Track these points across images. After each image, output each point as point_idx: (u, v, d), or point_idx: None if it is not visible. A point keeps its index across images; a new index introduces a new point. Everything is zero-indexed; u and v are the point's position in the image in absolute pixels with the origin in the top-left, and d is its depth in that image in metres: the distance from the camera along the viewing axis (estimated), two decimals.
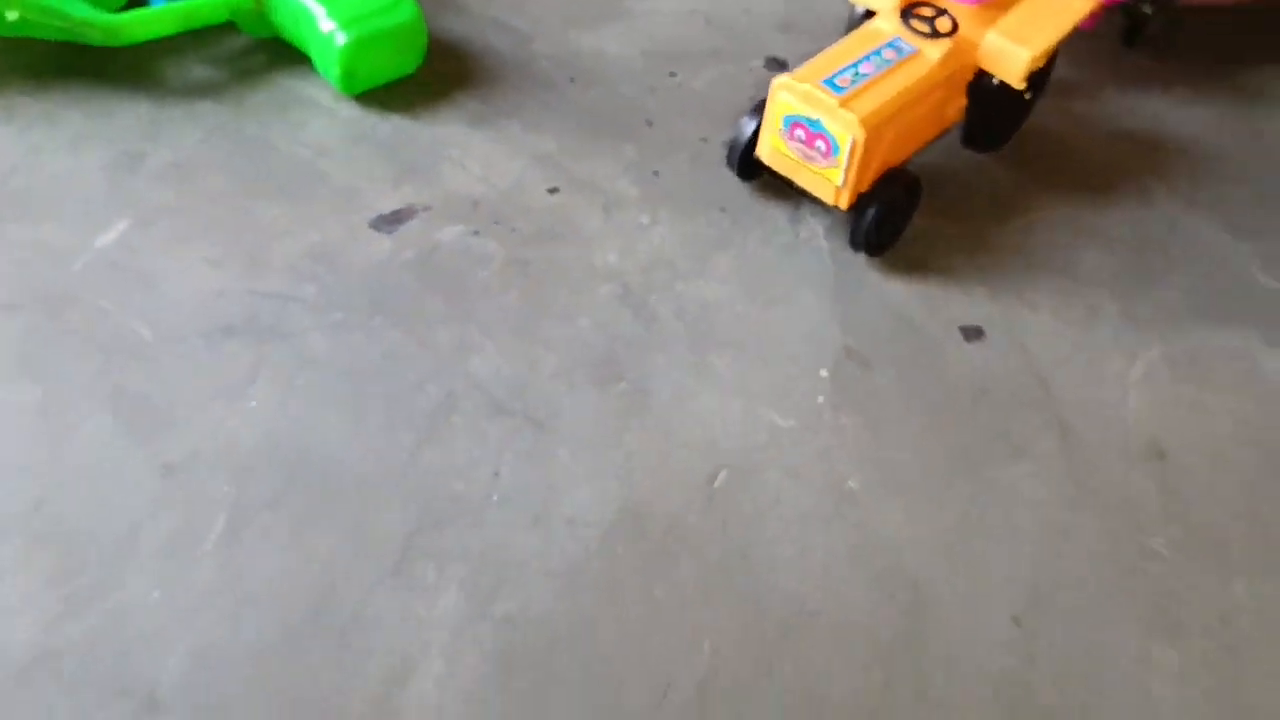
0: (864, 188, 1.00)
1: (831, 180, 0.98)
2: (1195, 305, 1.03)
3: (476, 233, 1.02)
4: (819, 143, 0.97)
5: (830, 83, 0.97)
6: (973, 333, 0.99)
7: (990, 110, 1.08)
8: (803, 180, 1.01)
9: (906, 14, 1.02)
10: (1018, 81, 0.99)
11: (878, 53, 1.00)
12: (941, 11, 1.02)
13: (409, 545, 0.80)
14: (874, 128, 0.95)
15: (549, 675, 0.74)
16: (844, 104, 0.95)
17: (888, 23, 1.02)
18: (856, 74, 0.98)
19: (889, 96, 0.97)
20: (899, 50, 1.00)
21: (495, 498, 0.83)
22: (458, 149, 1.10)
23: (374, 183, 1.05)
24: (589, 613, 0.77)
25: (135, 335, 0.91)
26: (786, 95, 0.98)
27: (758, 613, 0.78)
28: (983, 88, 1.05)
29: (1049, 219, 1.10)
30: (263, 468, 0.83)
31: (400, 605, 0.77)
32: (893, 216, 1.02)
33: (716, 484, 0.86)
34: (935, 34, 1.00)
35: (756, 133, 1.05)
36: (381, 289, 0.97)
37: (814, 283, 1.01)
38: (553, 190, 1.07)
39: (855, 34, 1.03)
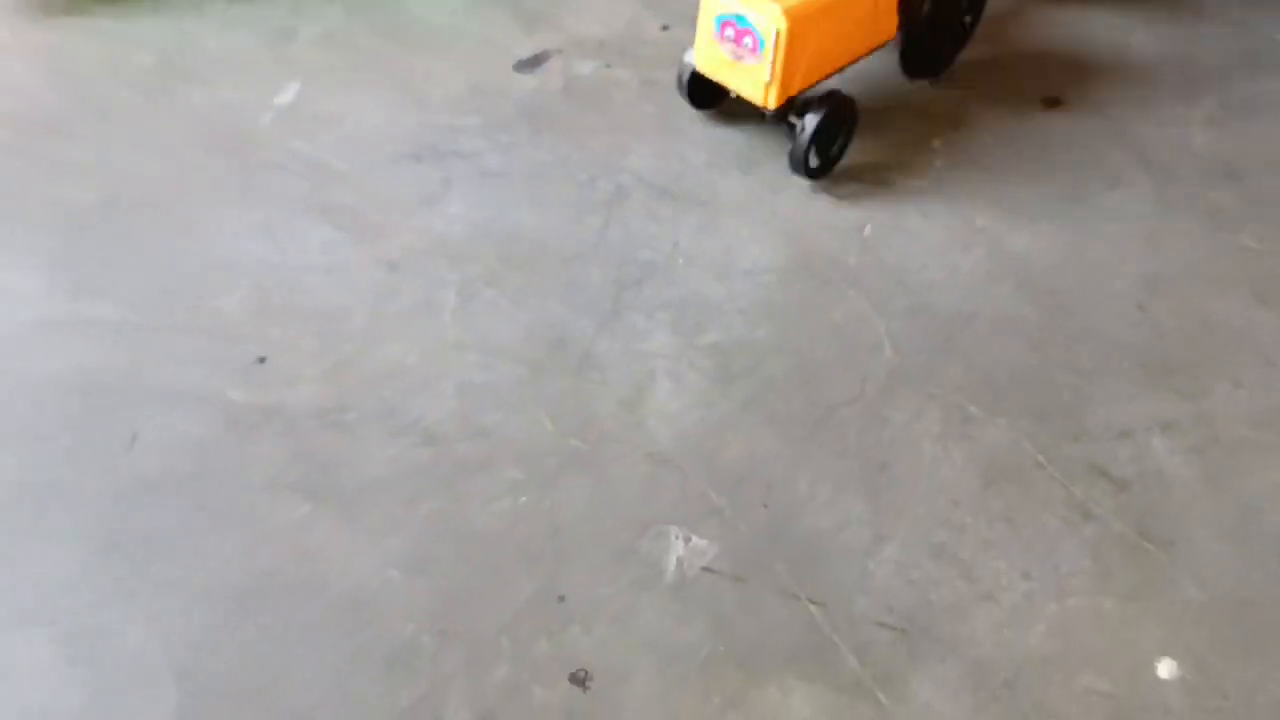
0: (793, 90, 1.00)
1: (759, 76, 0.99)
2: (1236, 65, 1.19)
3: (608, 65, 1.15)
4: (746, 39, 0.99)
5: None
6: (1052, 102, 1.14)
7: (924, 31, 1.08)
8: (734, 82, 1.01)
9: None
10: None
11: None
12: None
13: (617, 300, 0.93)
14: (797, 20, 0.96)
15: (762, 381, 0.87)
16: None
17: None
18: None
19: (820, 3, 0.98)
20: None
21: (681, 261, 0.97)
22: (573, 2, 1.22)
23: (507, 35, 1.18)
24: (782, 335, 0.91)
25: (331, 166, 1.03)
26: None
27: (925, 319, 0.93)
28: (914, 6, 1.05)
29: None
30: (475, 254, 0.95)
31: (622, 345, 0.90)
32: (829, 132, 1.01)
33: (865, 232, 1.00)
34: None
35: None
36: (537, 114, 1.09)
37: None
38: (664, 28, 1.20)
39: None
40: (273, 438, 0.81)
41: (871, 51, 1.06)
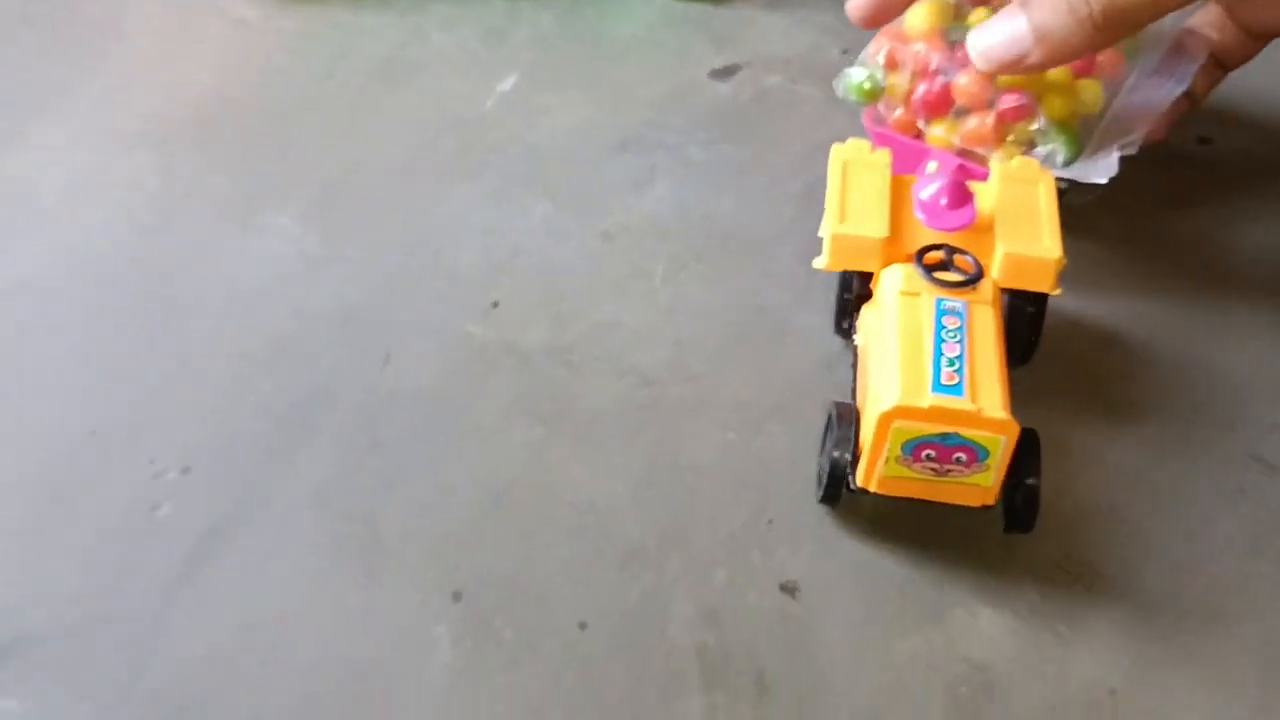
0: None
1: (980, 485, 0.81)
2: None
3: (794, 81, 1.26)
4: (959, 455, 0.80)
5: (941, 388, 0.78)
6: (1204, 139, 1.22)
7: (1019, 326, 0.89)
8: (937, 495, 0.82)
9: (928, 270, 0.82)
10: (1050, 288, 0.81)
11: (941, 327, 0.81)
12: (948, 249, 0.82)
13: (810, 278, 1.02)
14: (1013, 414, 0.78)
15: None
16: (978, 405, 0.76)
17: (909, 288, 0.82)
18: (950, 361, 0.80)
19: (998, 370, 0.79)
20: (956, 314, 0.82)
21: None
22: (759, 25, 1.35)
23: (699, 49, 1.30)
24: None
25: (548, 149, 1.15)
26: (903, 423, 0.79)
27: None
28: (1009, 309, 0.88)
29: None
30: (679, 233, 1.06)
31: (817, 317, 1.00)
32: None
33: None
34: (972, 277, 0.82)
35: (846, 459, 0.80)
36: (732, 116, 1.21)
37: None
38: (844, 51, 1.31)
39: (894, 323, 0.81)
40: (508, 369, 0.92)
41: None
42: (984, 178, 0.76)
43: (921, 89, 0.80)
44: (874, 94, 0.81)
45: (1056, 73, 0.74)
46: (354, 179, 1.11)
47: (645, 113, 1.21)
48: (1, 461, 0.83)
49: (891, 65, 0.80)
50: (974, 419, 0.75)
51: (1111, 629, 0.78)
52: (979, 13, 0.78)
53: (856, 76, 0.82)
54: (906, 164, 0.79)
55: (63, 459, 0.82)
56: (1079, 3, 0.62)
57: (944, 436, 0.77)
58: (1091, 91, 0.76)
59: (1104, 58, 0.76)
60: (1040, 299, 0.84)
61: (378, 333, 0.94)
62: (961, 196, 0.78)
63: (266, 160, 1.12)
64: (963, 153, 0.79)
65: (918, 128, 0.81)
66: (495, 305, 0.97)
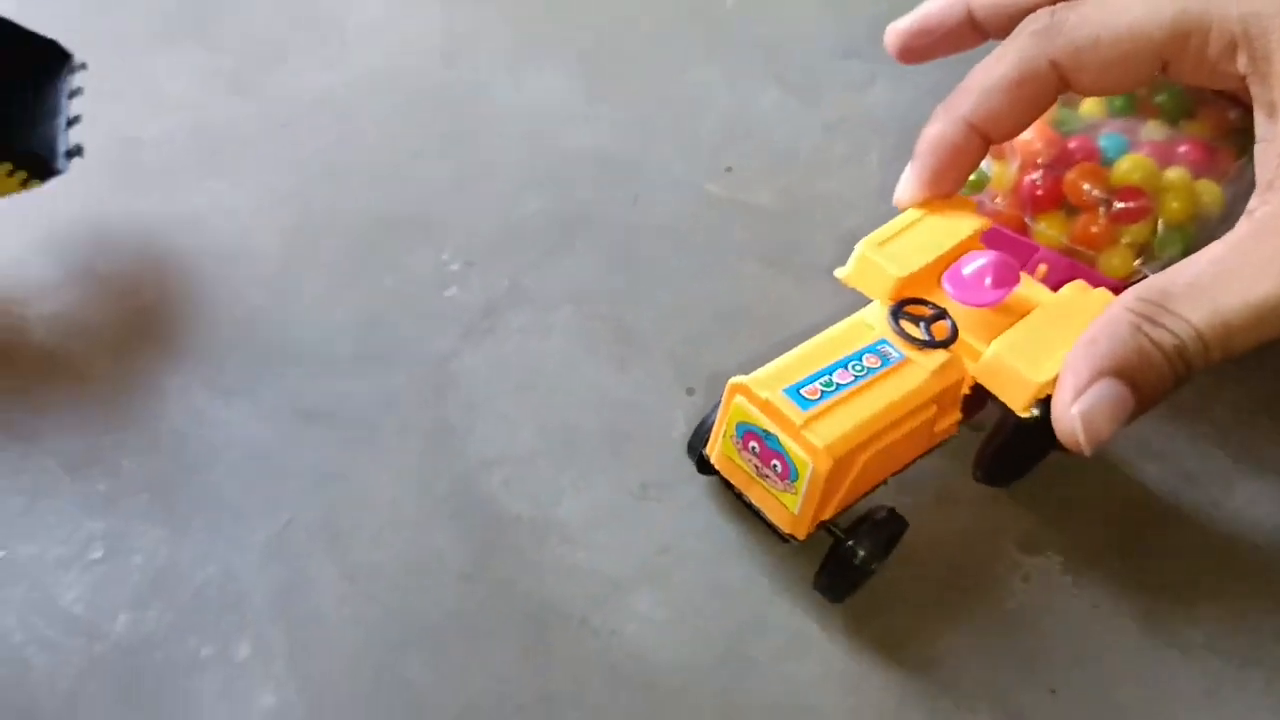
0: (826, 515, 0.79)
1: (789, 507, 0.79)
2: None
3: None
4: (775, 462, 0.77)
5: (795, 392, 0.76)
6: None
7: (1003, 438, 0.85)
8: (755, 496, 0.81)
9: (898, 312, 0.80)
10: (1020, 409, 0.72)
11: (858, 357, 0.78)
12: (940, 313, 0.78)
13: None
14: (842, 457, 0.75)
15: None
16: (807, 424, 0.74)
17: (874, 319, 0.81)
18: (829, 383, 0.77)
19: (864, 418, 0.75)
20: (884, 358, 0.78)
21: None
22: None
23: None
24: None
25: (780, 47, 1.27)
26: (743, 401, 0.79)
27: None
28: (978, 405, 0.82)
29: None
30: (895, 130, 1.17)
31: None
32: (867, 557, 0.78)
33: None
34: (931, 342, 0.77)
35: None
36: None
37: None
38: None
39: (835, 329, 0.82)
40: (739, 222, 1.05)
41: (929, 452, 0.83)
42: (1093, 281, 0.69)
43: (1029, 180, 0.72)
44: (978, 184, 0.74)
45: (1174, 173, 0.68)
46: (606, 50, 1.26)
47: (870, 28, 1.33)
48: (319, 242, 1.01)
49: (999, 154, 0.73)
50: (792, 430, 0.73)
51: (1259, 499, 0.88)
52: (1090, 103, 0.73)
53: None
54: (1012, 255, 0.74)
55: (369, 245, 0.99)
56: (1182, 363, 0.48)
57: (767, 435, 0.75)
58: (1211, 194, 0.67)
59: (1224, 157, 0.68)
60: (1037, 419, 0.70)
61: (629, 176, 1.08)
62: (1005, 278, 0.71)
63: (541, 17, 1.27)
64: (1070, 251, 0.70)
65: (1024, 221, 0.73)
66: (729, 170, 1.10)
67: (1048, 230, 0.73)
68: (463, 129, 1.10)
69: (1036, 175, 0.74)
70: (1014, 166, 0.75)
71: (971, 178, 0.75)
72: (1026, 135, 0.74)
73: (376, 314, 0.95)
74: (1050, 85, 0.59)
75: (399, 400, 0.89)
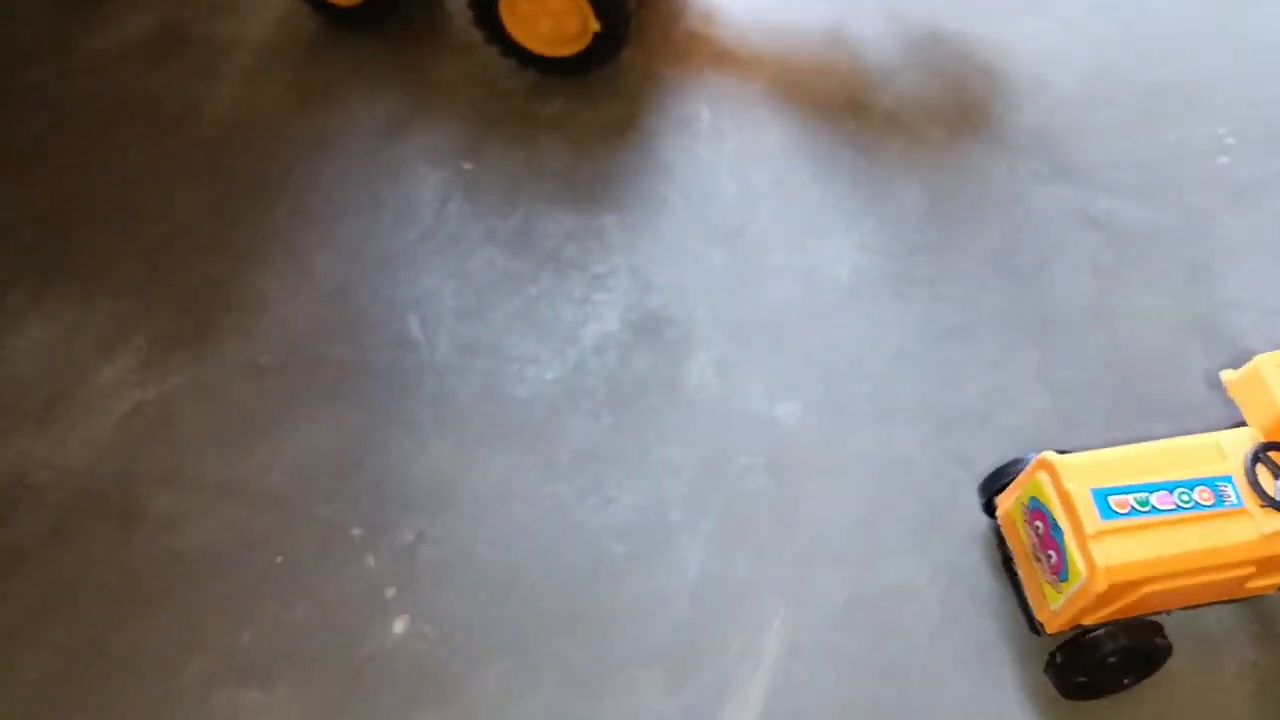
0: (1085, 622, 0.79)
1: (1049, 600, 0.78)
2: None
3: None
4: (1051, 553, 0.76)
5: (1103, 497, 0.73)
6: None
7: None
8: (1022, 569, 0.81)
9: (1261, 455, 0.73)
10: None
11: (1191, 486, 0.73)
12: None
13: None
14: (1120, 586, 0.73)
15: None
16: (1099, 536, 0.72)
17: (1231, 448, 0.75)
18: (1144, 502, 0.73)
19: (1163, 555, 0.72)
20: (1220, 498, 0.73)
21: None
22: None
23: None
24: None
25: None
26: (1044, 479, 0.77)
27: None
28: None
29: None
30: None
31: None
32: (1115, 672, 0.79)
33: None
34: (1271, 501, 0.73)
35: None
36: None
37: None
38: None
39: (1183, 442, 0.76)
40: None
41: (1232, 601, 0.82)
42: None
43: None
44: None
45: None
46: None
47: None
48: (1116, 85, 1.18)
49: None
50: (1081, 536, 0.70)
51: None
52: None
53: None
54: None
55: (1156, 103, 1.15)
56: None
57: (1055, 524, 0.73)
58: None
59: None
60: None
61: None
62: None
63: None
64: None
65: None
66: None
67: None
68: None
69: None
70: None
71: None
72: None
73: (1150, 159, 1.11)
74: None
75: (1162, 235, 1.06)
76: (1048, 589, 0.76)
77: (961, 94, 1.29)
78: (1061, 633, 0.76)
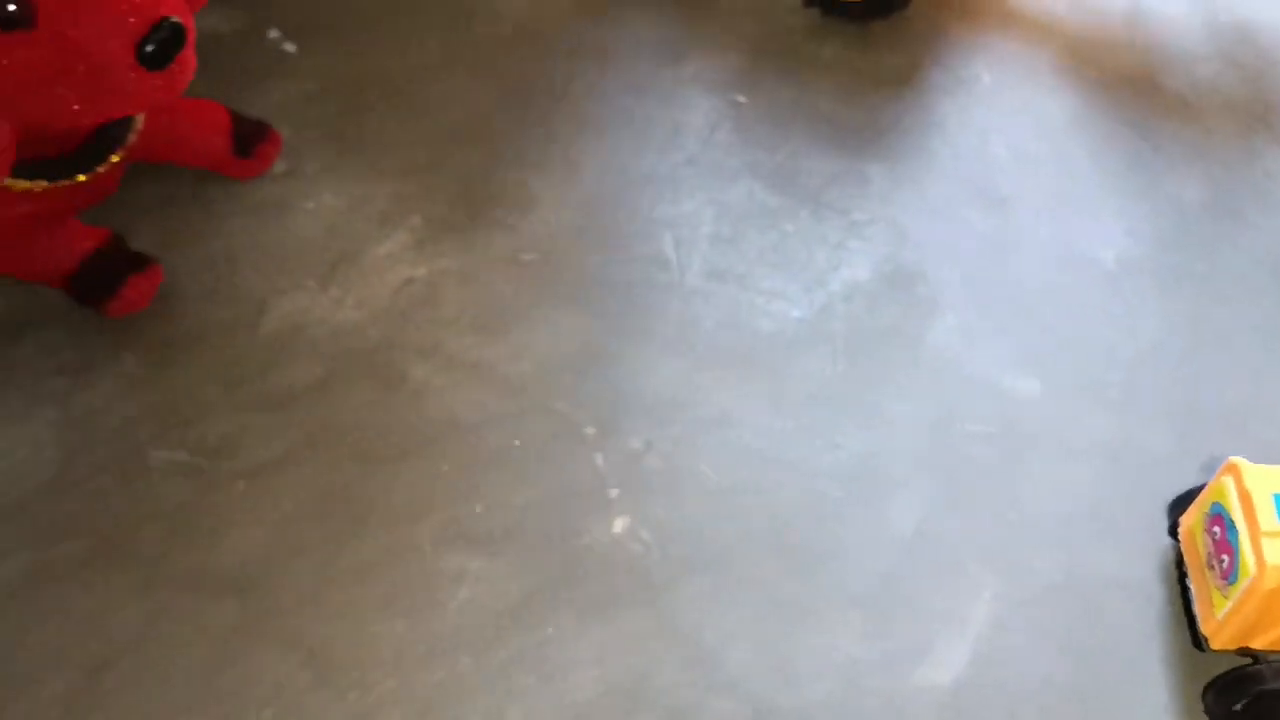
0: (1254, 644, 0.78)
1: (1215, 608, 0.77)
2: None
3: None
4: (1225, 557, 0.76)
5: None
6: None
7: None
8: (1194, 581, 0.81)
9: None
10: None
11: None
12: None
13: None
14: None
15: None
16: (1273, 535, 0.73)
17: None
18: None
19: None
20: None
21: None
22: None
23: None
24: None
25: None
26: (1228, 482, 0.77)
27: None
28: None
29: None
30: None
31: None
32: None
33: None
34: None
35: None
36: None
37: None
38: None
39: None
40: None
41: None
42: None
43: None
44: None
45: None
46: None
47: None
48: None
49: None
50: (1255, 532, 0.71)
51: None
52: None
53: None
54: None
55: None
56: None
57: (1231, 526, 0.74)
58: None
59: None
60: None
61: None
62: None
63: None
64: None
65: None
66: None
67: None
68: None
69: None
70: None
71: None
72: None
73: None
74: None
75: None
76: (1215, 595, 0.76)
77: (1261, 91, 1.21)
78: (1227, 651, 0.77)
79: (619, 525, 0.98)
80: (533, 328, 1.09)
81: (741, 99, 1.28)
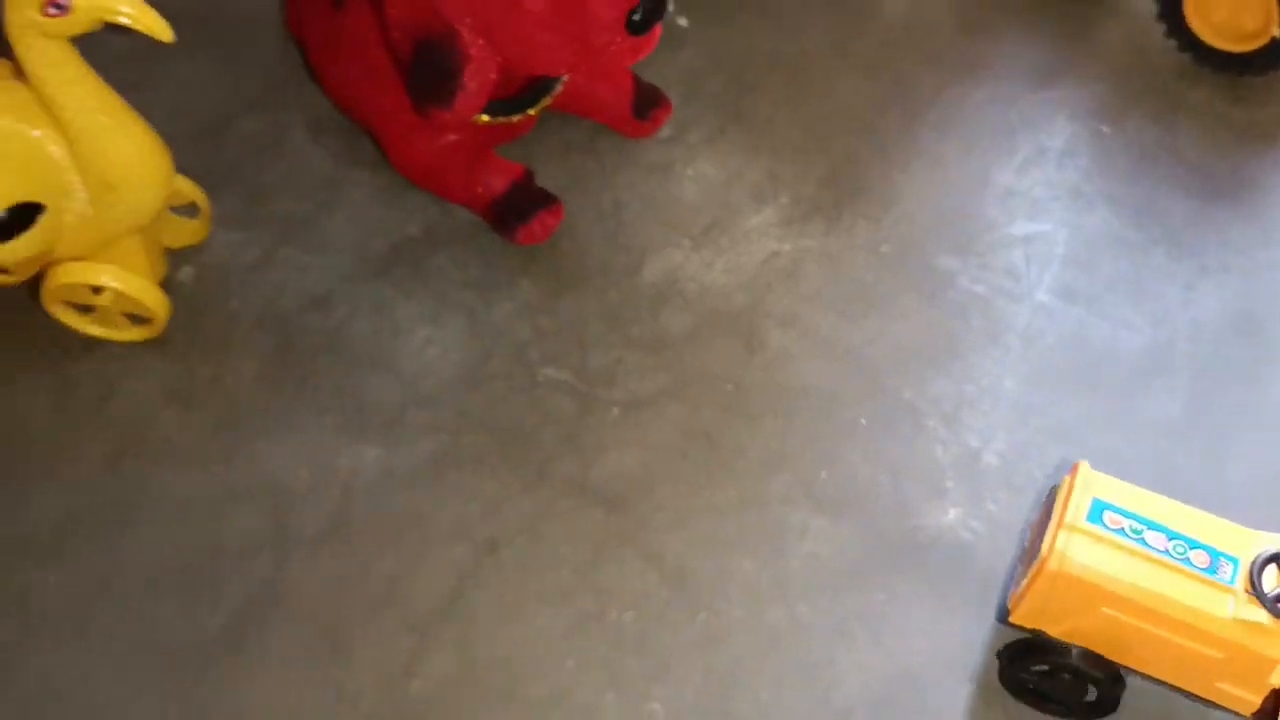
0: (1046, 628, 0.85)
1: (1019, 586, 0.87)
2: None
3: None
4: (1039, 543, 0.83)
5: (1100, 508, 0.80)
6: None
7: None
8: (1025, 562, 0.89)
9: (1265, 564, 0.77)
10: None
11: (1195, 545, 0.78)
12: None
13: None
14: (1072, 584, 0.79)
15: None
16: (1074, 531, 0.80)
17: (1260, 546, 0.79)
18: (1137, 530, 0.79)
19: (1128, 581, 0.78)
20: (1215, 569, 0.78)
21: None
22: None
23: None
24: None
25: None
26: (1066, 480, 0.86)
27: None
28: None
29: None
30: None
31: None
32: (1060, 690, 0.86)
33: None
34: (1274, 607, 0.76)
35: None
36: None
37: None
38: None
39: (1215, 519, 0.82)
40: None
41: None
42: None
43: None
44: None
45: None
46: None
47: None
48: None
49: None
50: (1057, 524, 0.84)
51: None
52: None
53: None
54: None
55: None
56: None
57: (1050, 516, 0.87)
58: None
59: None
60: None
61: None
62: None
63: None
64: None
65: None
66: None
67: None
68: None
69: None
70: None
71: None
72: None
73: None
74: None
75: None
76: (1022, 579, 0.84)
77: None
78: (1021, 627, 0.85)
79: (952, 514, 1.04)
80: (887, 316, 1.16)
81: (1106, 129, 1.31)
